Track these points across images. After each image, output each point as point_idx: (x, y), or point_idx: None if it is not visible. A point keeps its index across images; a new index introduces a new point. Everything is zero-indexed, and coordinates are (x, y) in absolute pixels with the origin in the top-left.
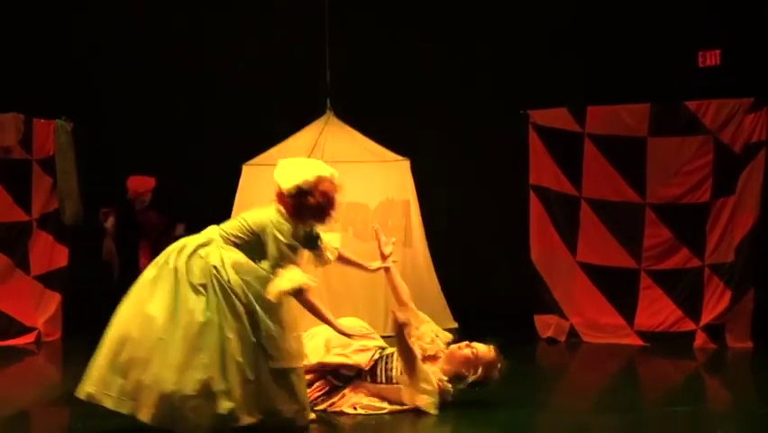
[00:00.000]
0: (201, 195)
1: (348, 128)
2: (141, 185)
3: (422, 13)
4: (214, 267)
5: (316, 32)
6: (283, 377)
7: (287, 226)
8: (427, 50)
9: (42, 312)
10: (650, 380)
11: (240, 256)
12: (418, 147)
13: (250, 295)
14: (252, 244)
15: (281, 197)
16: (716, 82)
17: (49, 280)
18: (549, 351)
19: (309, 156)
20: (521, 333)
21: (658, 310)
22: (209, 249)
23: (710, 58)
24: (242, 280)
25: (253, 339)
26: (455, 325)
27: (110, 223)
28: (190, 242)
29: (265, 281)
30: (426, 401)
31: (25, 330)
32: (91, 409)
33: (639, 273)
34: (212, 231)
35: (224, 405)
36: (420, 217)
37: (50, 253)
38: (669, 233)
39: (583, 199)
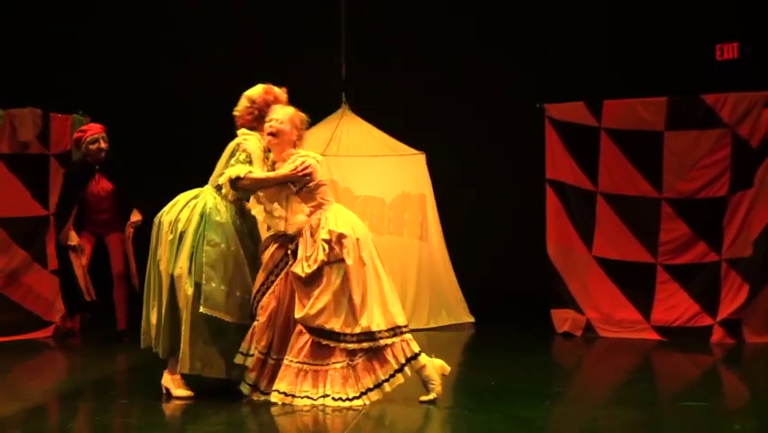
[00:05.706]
0: None
1: (363, 122)
2: (90, 128)
3: (438, 6)
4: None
5: (331, 25)
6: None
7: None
8: (443, 43)
9: (60, 306)
10: (666, 374)
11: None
12: (434, 141)
13: (201, 241)
14: None
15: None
16: (733, 75)
17: None
18: (565, 345)
19: (325, 150)
20: (537, 327)
21: (675, 305)
22: (198, 200)
23: (728, 51)
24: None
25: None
26: (472, 319)
27: (85, 255)
28: (182, 197)
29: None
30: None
31: (43, 324)
32: (108, 402)
33: (656, 268)
34: (206, 188)
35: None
36: (436, 211)
37: None
38: (686, 227)
39: (600, 194)
